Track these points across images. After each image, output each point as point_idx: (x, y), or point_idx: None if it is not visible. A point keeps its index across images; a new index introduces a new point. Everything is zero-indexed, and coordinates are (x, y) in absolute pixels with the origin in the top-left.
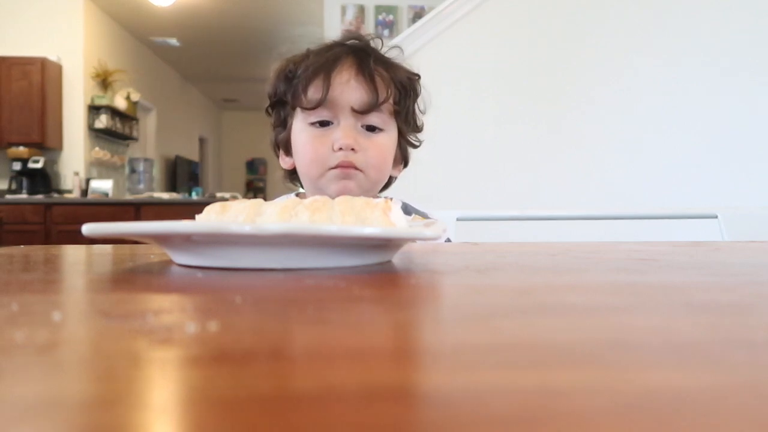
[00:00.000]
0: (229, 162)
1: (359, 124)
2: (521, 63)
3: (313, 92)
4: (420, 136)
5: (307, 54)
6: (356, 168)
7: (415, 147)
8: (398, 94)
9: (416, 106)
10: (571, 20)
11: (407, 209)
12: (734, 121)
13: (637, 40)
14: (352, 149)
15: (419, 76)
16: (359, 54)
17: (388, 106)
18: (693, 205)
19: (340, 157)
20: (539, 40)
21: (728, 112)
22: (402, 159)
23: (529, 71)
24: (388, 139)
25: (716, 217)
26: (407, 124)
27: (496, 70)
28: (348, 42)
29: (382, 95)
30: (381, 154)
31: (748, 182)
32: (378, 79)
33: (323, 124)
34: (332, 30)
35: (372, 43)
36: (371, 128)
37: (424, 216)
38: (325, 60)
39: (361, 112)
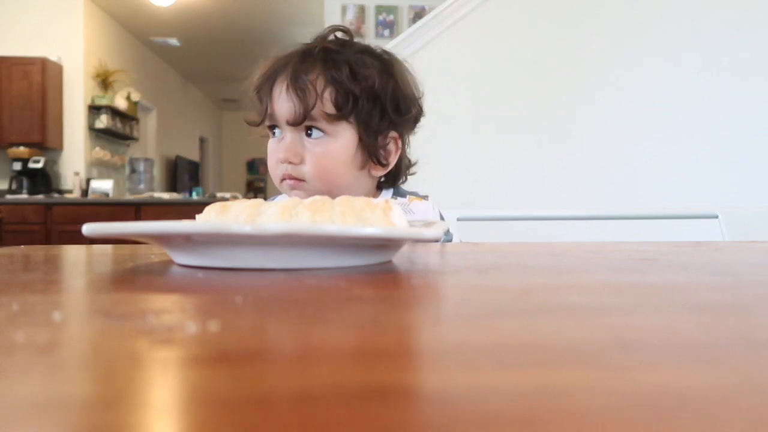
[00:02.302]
0: (229, 162)
1: (303, 133)
2: (522, 63)
3: (262, 106)
4: (419, 133)
5: (265, 64)
6: (300, 179)
7: (382, 146)
8: (339, 96)
9: (396, 95)
10: (571, 19)
11: (400, 192)
12: (735, 121)
13: (637, 40)
14: (291, 162)
15: (385, 64)
16: (300, 60)
17: (322, 113)
18: (694, 205)
19: (283, 169)
20: (540, 40)
21: (729, 112)
22: (373, 159)
23: (530, 71)
24: (333, 146)
25: (717, 217)
26: (367, 123)
27: (496, 69)
28: (307, 44)
29: (310, 102)
30: (320, 164)
31: (749, 182)
32: (309, 87)
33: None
34: None
35: (341, 35)
36: (322, 133)
37: (415, 194)
38: (270, 73)
39: (292, 124)
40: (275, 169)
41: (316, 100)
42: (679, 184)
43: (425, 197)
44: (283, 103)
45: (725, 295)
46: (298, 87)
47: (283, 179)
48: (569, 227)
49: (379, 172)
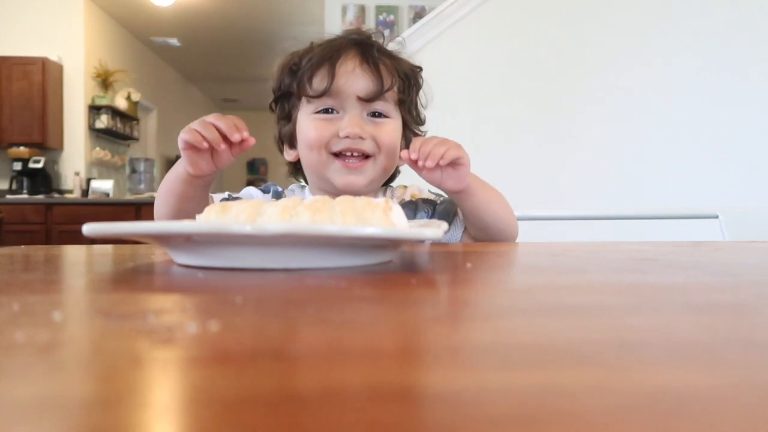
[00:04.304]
0: None
1: (365, 113)
2: (522, 63)
3: (318, 82)
4: (422, 131)
5: (311, 47)
6: (368, 155)
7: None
8: (402, 84)
9: (419, 99)
10: (571, 19)
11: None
12: (735, 121)
13: (637, 41)
14: (360, 137)
15: (421, 69)
16: (362, 45)
17: (393, 95)
18: (694, 205)
19: (345, 143)
20: (540, 40)
21: (729, 112)
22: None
23: (530, 71)
24: (395, 126)
25: (717, 217)
26: (410, 115)
27: (496, 69)
28: (351, 36)
29: (387, 83)
30: (390, 137)
31: (749, 182)
32: (382, 68)
33: (328, 112)
34: (333, 30)
35: (374, 37)
36: (377, 115)
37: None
38: (330, 50)
39: (367, 99)
40: (328, 141)
41: (393, 79)
42: (679, 184)
43: (404, 187)
44: (357, 79)
45: (725, 295)
46: (374, 65)
47: (338, 156)
48: (569, 227)
49: (402, 163)
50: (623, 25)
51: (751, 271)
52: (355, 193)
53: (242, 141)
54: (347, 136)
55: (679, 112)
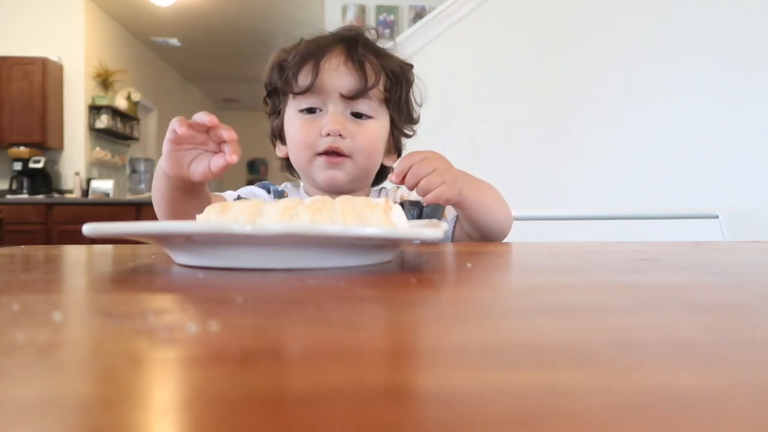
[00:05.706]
0: None
1: (348, 111)
2: (522, 63)
3: (303, 78)
4: (420, 132)
5: (300, 43)
6: (344, 155)
7: (408, 137)
8: (389, 82)
9: (411, 96)
10: (571, 19)
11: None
12: (735, 121)
13: (638, 41)
14: (340, 135)
15: (412, 66)
16: (349, 42)
17: (378, 93)
18: (694, 205)
19: (328, 142)
20: (540, 40)
21: (729, 112)
22: (395, 149)
23: (530, 71)
24: (377, 126)
25: (717, 217)
26: (399, 113)
27: (496, 69)
28: (341, 33)
29: (371, 81)
30: (370, 140)
31: (749, 182)
32: (367, 66)
33: (313, 111)
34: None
35: (367, 34)
36: (360, 115)
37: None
38: (315, 47)
39: (349, 97)
40: (313, 142)
41: (377, 77)
42: (679, 184)
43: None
44: (341, 76)
45: (725, 295)
46: (359, 62)
47: (322, 154)
48: (569, 227)
49: (391, 162)
50: (623, 25)
51: (751, 271)
52: (339, 188)
53: (228, 159)
54: (328, 134)
55: (679, 112)
